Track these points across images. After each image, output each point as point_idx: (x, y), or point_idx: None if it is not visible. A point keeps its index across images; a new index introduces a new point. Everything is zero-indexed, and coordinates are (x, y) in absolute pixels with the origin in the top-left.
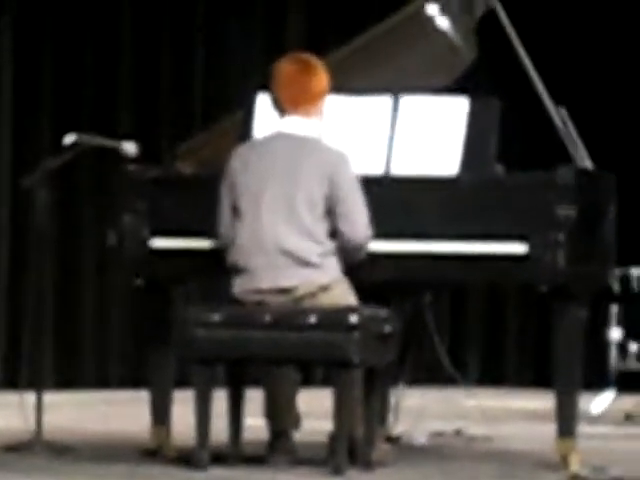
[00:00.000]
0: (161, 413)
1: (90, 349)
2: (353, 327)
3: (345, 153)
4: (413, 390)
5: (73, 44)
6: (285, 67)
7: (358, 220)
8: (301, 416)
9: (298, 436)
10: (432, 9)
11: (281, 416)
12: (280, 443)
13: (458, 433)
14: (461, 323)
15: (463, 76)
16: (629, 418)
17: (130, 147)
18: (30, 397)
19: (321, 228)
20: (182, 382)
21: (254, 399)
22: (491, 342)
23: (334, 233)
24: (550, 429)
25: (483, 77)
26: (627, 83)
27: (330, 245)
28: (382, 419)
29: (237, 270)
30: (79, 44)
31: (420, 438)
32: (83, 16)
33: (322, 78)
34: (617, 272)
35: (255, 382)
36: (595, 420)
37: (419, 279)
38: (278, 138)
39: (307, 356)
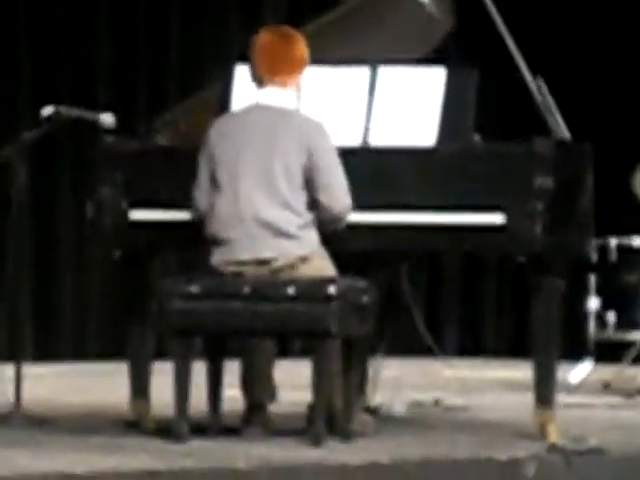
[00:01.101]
0: (140, 385)
1: (69, 321)
2: (331, 298)
3: (323, 124)
4: (391, 361)
5: (50, 16)
6: (264, 37)
7: (337, 191)
8: (277, 388)
9: (276, 407)
10: None
11: (257, 388)
12: (256, 415)
13: (437, 403)
14: (439, 294)
15: (441, 46)
16: (607, 388)
17: (108, 119)
18: (9, 369)
19: (300, 199)
20: (161, 354)
21: (234, 370)
22: (469, 312)
23: (313, 204)
24: (528, 399)
25: (461, 47)
26: (603, 53)
27: (309, 216)
28: (361, 390)
29: (216, 241)
30: (56, 17)
31: (399, 408)
32: None
33: (301, 48)
34: (595, 242)
35: (235, 353)
36: (573, 390)
37: (397, 249)
38: (256, 109)
39: (286, 327)
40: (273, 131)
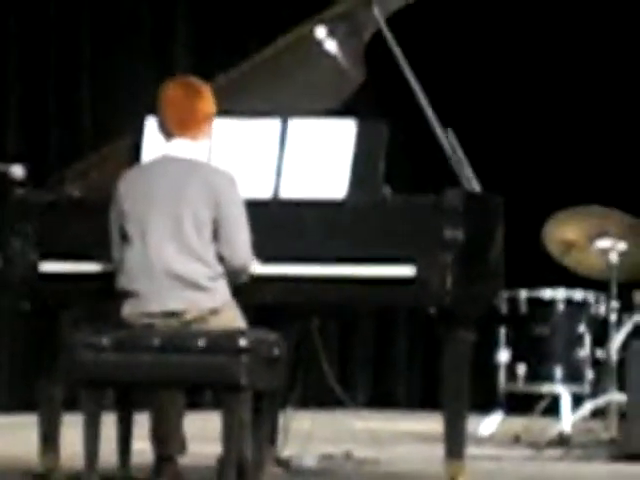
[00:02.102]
0: (50, 438)
1: None
2: (242, 350)
3: (232, 175)
4: (302, 413)
5: None
6: (171, 90)
7: (238, 244)
8: (187, 440)
9: (186, 460)
10: (320, 32)
11: (167, 440)
12: (165, 468)
13: (347, 456)
14: (350, 345)
15: (351, 99)
16: (517, 440)
17: (18, 170)
18: None
19: (210, 251)
20: (71, 405)
21: (144, 422)
22: (380, 364)
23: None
24: (439, 451)
25: (371, 100)
26: (514, 105)
27: (219, 268)
28: (271, 442)
29: (126, 294)
30: None
31: (309, 461)
32: None
33: (208, 101)
34: (505, 294)
35: (145, 405)
36: (484, 441)
37: (307, 302)
38: (164, 161)
39: (196, 379)
40: (182, 182)
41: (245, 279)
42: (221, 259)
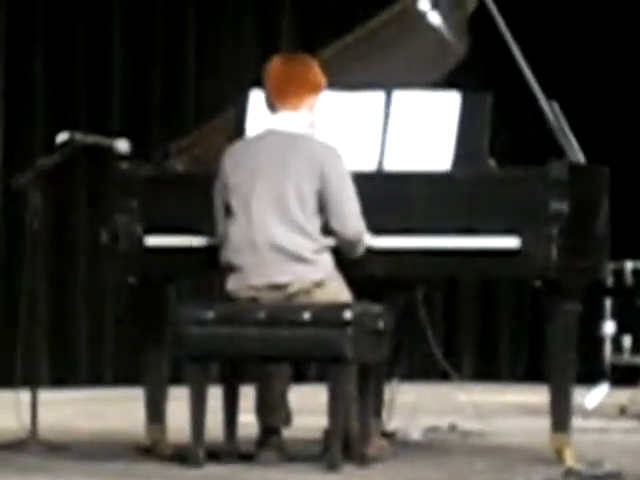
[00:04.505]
0: (156, 410)
1: (85, 347)
2: (347, 323)
3: (336, 147)
4: (407, 385)
5: (65, 43)
6: (276, 64)
7: (347, 215)
8: (292, 413)
9: (292, 433)
10: (424, 5)
11: (272, 413)
12: (270, 440)
13: (452, 428)
14: (454, 318)
15: (455, 71)
16: (623, 412)
17: (123, 145)
18: (25, 395)
19: (314, 224)
20: (177, 379)
21: (249, 395)
22: (485, 337)
23: (327, 229)
24: (544, 423)
25: (475, 72)
26: (618, 76)
27: (323, 241)
28: (377, 415)
29: (230, 268)
30: (71, 42)
31: (415, 433)
32: (74, 15)
33: (310, 71)
34: (610, 266)
35: (250, 378)
36: (589, 414)
37: (412, 274)
38: (268, 135)
39: (301, 352)
40: (285, 156)
41: (361, 252)
42: (332, 232)
